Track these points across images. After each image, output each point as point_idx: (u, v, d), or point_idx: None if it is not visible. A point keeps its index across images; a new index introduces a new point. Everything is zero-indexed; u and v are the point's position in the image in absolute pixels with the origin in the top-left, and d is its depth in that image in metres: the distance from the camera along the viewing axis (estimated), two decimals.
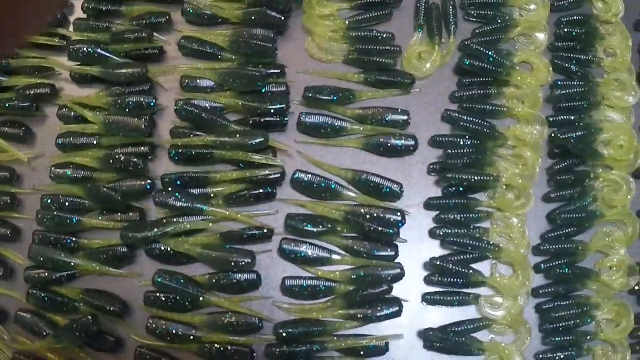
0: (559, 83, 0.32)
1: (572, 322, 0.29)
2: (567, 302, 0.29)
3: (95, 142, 0.31)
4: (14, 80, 0.33)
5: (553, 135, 0.31)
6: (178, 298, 0.28)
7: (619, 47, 0.34)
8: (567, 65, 0.33)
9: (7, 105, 0.32)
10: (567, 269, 0.29)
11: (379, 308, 0.28)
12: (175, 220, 0.29)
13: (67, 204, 0.31)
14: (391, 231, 0.28)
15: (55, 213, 0.30)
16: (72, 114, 0.32)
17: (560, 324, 0.29)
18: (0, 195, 0.32)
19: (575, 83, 0.32)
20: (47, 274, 0.30)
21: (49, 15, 0.16)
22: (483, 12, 0.33)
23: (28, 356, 0.30)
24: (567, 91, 0.32)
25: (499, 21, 0.32)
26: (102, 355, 0.30)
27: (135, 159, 0.30)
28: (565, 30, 0.33)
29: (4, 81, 0.33)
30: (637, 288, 0.30)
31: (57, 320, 0.30)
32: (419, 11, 0.33)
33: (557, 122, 0.32)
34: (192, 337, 0.28)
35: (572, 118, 0.32)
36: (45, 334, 0.30)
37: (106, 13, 0.34)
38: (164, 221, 0.29)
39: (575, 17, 0.34)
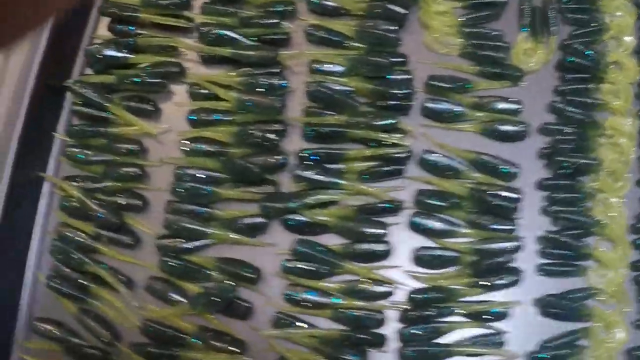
0: None
1: None
2: None
3: (229, 119, 0.34)
4: (142, 58, 0.36)
5: None
6: (317, 266, 0.32)
7: None
8: None
9: (135, 80, 0.35)
10: None
11: (500, 277, 0.32)
12: (312, 192, 0.32)
13: (201, 175, 0.34)
14: (512, 206, 0.33)
15: (190, 184, 0.33)
16: (203, 91, 0.36)
17: None
18: (130, 167, 0.35)
19: None
20: (180, 243, 0.33)
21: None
22: (579, 16, 0.38)
23: (157, 323, 0.32)
24: None
25: (594, 25, 0.38)
26: (234, 323, 0.32)
27: (271, 135, 0.33)
28: None
29: (131, 58, 0.36)
30: None
31: (189, 287, 0.33)
32: (523, 12, 0.38)
33: None
34: (327, 304, 0.31)
35: None
36: (176, 301, 0.32)
37: (233, 1, 0.38)
38: (302, 193, 0.32)
39: None
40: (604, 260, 0.34)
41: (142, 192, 0.34)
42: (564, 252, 0.33)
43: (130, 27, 0.37)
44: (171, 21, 0.37)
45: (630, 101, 0.37)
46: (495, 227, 0.33)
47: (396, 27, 0.36)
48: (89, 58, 0.36)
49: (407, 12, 0.36)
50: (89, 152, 0.35)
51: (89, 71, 0.37)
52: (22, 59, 0.36)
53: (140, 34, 0.37)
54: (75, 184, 0.35)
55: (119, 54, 0.36)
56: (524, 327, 0.33)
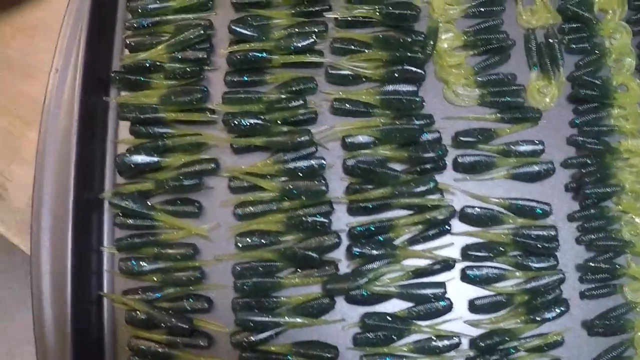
0: None
1: None
2: None
3: (275, 208, 0.38)
4: (174, 159, 0.40)
5: None
6: (386, 333, 0.37)
7: None
8: None
9: (172, 184, 0.39)
10: None
11: (552, 309, 0.38)
12: (371, 267, 0.37)
13: (260, 268, 0.38)
14: (553, 245, 0.39)
15: (253, 279, 0.37)
16: (244, 184, 0.39)
17: None
18: (187, 271, 0.38)
19: None
20: (254, 335, 0.37)
21: None
22: (581, 45, 0.44)
23: None
24: None
25: (597, 51, 0.44)
26: None
27: (322, 218, 0.38)
28: None
29: (163, 161, 0.39)
30: None
31: None
32: (530, 51, 0.43)
33: None
34: None
35: None
36: None
37: (251, 83, 0.41)
38: (361, 269, 0.37)
39: None
40: (638, 276, 0.40)
41: (204, 292, 0.39)
42: (601, 275, 0.40)
43: (154, 128, 0.40)
44: (195, 117, 0.40)
45: (639, 121, 0.43)
46: (539, 265, 0.39)
47: (416, 88, 0.41)
48: (121, 168, 0.39)
49: (424, 71, 0.41)
50: (143, 263, 0.38)
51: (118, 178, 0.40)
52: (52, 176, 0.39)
53: (166, 133, 0.40)
54: (137, 296, 0.38)
55: (151, 159, 0.39)
56: (577, 349, 0.39)
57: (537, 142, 0.41)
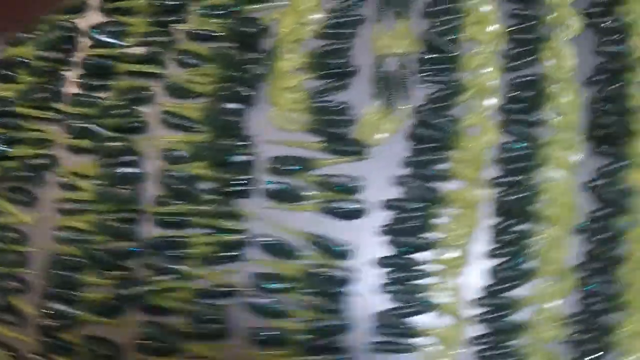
0: (505, 146, 0.40)
1: None
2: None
3: (91, 208, 0.41)
4: (21, 151, 0.44)
5: (496, 196, 0.39)
6: (164, 345, 0.38)
7: (568, 105, 0.41)
8: (515, 126, 0.40)
9: (13, 174, 0.43)
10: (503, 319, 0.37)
11: (331, 355, 0.37)
12: (160, 278, 0.39)
13: (68, 262, 0.41)
14: (340, 289, 0.37)
15: (61, 272, 0.41)
16: (71, 182, 0.43)
17: None
18: (11, 254, 0.43)
19: (520, 145, 0.40)
20: (53, 323, 0.41)
21: None
22: (436, 78, 0.41)
23: None
24: (511, 154, 0.40)
25: (451, 87, 0.40)
26: None
27: (125, 225, 0.40)
28: (515, 92, 0.41)
29: (9, 152, 0.44)
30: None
31: None
32: (377, 80, 0.41)
33: (502, 183, 0.40)
34: None
35: (517, 179, 0.39)
36: None
37: (97, 87, 0.44)
38: (148, 279, 0.39)
39: (525, 79, 0.41)
40: (442, 337, 0.37)
41: (23, 275, 0.43)
42: (397, 330, 0.38)
43: (6, 119, 0.45)
44: (38, 113, 0.44)
45: (482, 169, 0.40)
46: (327, 307, 0.38)
47: (243, 108, 0.41)
48: None
49: (254, 92, 0.41)
50: None
51: None
52: None
53: (16, 125, 0.45)
54: None
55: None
56: None
57: (355, 178, 0.40)
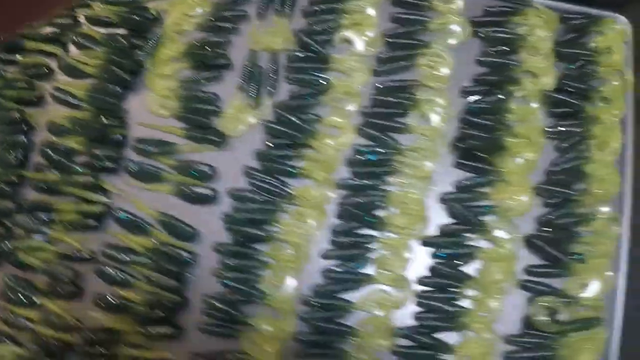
0: (362, 150, 0.41)
1: None
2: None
3: None
4: None
5: (342, 198, 0.39)
6: (22, 298, 0.42)
7: (436, 113, 0.41)
8: (372, 131, 0.41)
9: None
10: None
11: (163, 328, 0.40)
12: (26, 237, 0.43)
13: None
14: (180, 270, 0.40)
15: None
16: None
17: None
18: None
19: (372, 150, 0.40)
20: None
21: None
22: (301, 77, 0.42)
23: None
24: (362, 157, 0.40)
25: (314, 86, 0.41)
26: None
27: (10, 187, 0.44)
28: (381, 97, 0.41)
29: None
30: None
31: None
32: (244, 73, 0.42)
33: (350, 186, 0.40)
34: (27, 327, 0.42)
35: (366, 183, 0.40)
36: None
37: (5, 61, 0.48)
38: (19, 238, 0.43)
39: (394, 84, 0.41)
40: (266, 329, 0.39)
41: None
42: (226, 315, 0.39)
43: None
44: None
45: (333, 170, 0.41)
46: (168, 284, 0.40)
47: (121, 91, 0.44)
48: None
49: (134, 77, 0.44)
50: None
51: None
52: None
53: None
54: None
55: None
56: None
57: (210, 166, 0.42)
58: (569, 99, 0.42)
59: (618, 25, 0.44)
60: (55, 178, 0.44)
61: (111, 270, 0.42)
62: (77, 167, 0.44)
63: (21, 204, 0.44)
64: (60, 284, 0.43)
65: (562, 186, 0.41)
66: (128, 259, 0.42)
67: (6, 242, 0.44)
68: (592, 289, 0.40)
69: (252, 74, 0.43)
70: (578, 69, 0.42)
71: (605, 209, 0.41)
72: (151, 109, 0.44)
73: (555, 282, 0.41)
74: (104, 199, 0.43)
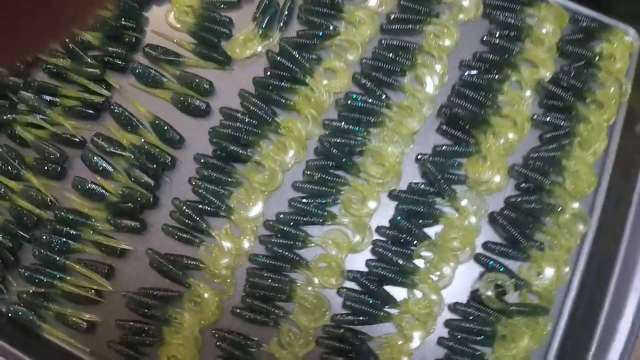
0: (353, 96, 0.43)
1: None
2: None
3: None
4: None
5: (322, 138, 0.42)
6: (9, 168, 0.45)
7: (431, 78, 0.42)
8: (367, 81, 0.43)
9: None
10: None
11: (129, 221, 0.42)
12: (27, 113, 0.46)
13: None
14: (159, 169, 0.42)
15: None
16: None
17: None
18: None
19: (362, 98, 0.42)
20: None
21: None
22: (311, 18, 0.44)
23: None
24: (352, 103, 0.42)
25: (321, 29, 0.43)
26: None
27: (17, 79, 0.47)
28: (382, 52, 0.43)
29: None
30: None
31: None
32: (259, 6, 0.45)
33: (333, 127, 0.42)
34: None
35: (348, 127, 0.42)
36: None
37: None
38: (20, 113, 0.46)
39: (397, 43, 0.43)
40: (223, 244, 0.41)
41: None
42: (191, 222, 0.42)
43: None
44: None
45: (323, 111, 0.43)
46: (144, 181, 0.42)
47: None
48: None
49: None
50: None
51: None
52: None
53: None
54: None
55: None
56: (135, 269, 0.42)
57: (206, 80, 0.44)
58: (562, 94, 0.43)
59: (628, 37, 0.45)
60: (66, 65, 0.47)
61: (96, 159, 0.45)
62: (89, 59, 0.47)
63: (30, 82, 0.47)
64: (47, 163, 0.46)
65: (537, 173, 0.42)
66: (115, 151, 0.44)
67: (8, 114, 0.47)
68: (546, 278, 0.41)
69: (267, 7, 0.45)
70: (578, 68, 0.44)
71: (575, 205, 0.42)
72: (168, 21, 0.47)
73: (511, 265, 0.42)
74: (106, 92, 0.46)
